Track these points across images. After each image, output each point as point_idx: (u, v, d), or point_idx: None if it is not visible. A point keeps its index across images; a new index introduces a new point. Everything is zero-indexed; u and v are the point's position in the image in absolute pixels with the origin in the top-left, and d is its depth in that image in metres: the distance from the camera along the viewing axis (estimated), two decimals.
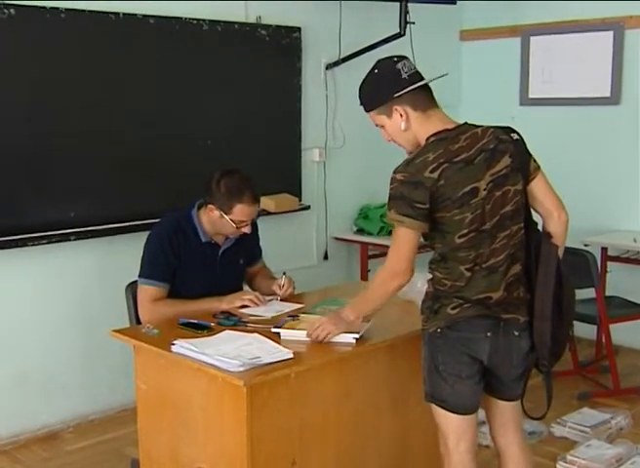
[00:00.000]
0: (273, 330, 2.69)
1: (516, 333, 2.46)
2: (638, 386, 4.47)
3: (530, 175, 2.45)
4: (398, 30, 4.79)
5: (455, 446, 2.51)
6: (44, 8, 3.74)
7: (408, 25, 4.80)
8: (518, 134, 2.46)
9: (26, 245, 3.77)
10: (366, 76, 2.48)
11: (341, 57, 5.04)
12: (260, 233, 3.37)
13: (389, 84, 2.41)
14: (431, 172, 2.31)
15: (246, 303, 3.04)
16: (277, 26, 4.71)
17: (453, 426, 2.50)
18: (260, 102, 4.70)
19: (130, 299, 3.18)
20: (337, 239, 5.33)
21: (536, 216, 2.53)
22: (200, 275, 3.12)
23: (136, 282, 3.12)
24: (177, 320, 2.85)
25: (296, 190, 4.95)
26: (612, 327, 4.34)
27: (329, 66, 5.08)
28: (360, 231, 5.30)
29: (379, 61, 2.48)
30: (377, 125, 2.51)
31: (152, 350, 2.64)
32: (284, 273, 3.23)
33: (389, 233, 5.06)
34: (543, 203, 2.49)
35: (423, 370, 2.53)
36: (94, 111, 3.98)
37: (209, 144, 4.45)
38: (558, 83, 5.39)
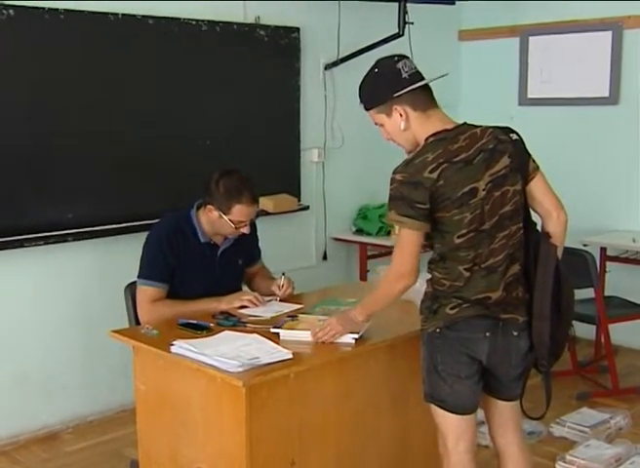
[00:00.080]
0: (273, 330, 2.69)
1: (515, 333, 2.46)
2: (637, 386, 4.48)
3: (529, 175, 2.45)
4: (397, 30, 4.79)
5: (454, 446, 2.52)
6: (43, 8, 3.74)
7: (407, 25, 4.81)
8: (517, 134, 2.47)
9: (26, 245, 3.77)
10: (366, 75, 2.48)
11: (340, 57, 5.04)
12: (258, 233, 3.37)
13: (389, 83, 2.41)
14: (430, 172, 2.31)
15: (245, 304, 3.04)
16: (276, 27, 4.71)
17: (452, 426, 2.50)
18: (258, 103, 4.70)
19: (129, 300, 3.18)
20: (336, 239, 5.33)
21: (535, 216, 2.53)
22: (199, 275, 3.12)
23: (135, 282, 3.12)
24: (176, 320, 2.85)
25: (294, 190, 4.95)
26: (611, 327, 4.34)
27: (327, 67, 5.08)
28: (359, 231, 5.30)
29: (379, 60, 2.48)
30: (376, 123, 2.51)
31: (151, 351, 2.63)
32: (283, 273, 3.23)
33: (388, 233, 5.13)
34: (542, 203, 2.49)
35: (422, 371, 2.53)
36: (93, 111, 3.98)
37: (208, 144, 4.45)
38: (557, 83, 5.40)
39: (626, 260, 4.91)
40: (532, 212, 2.52)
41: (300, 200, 4.99)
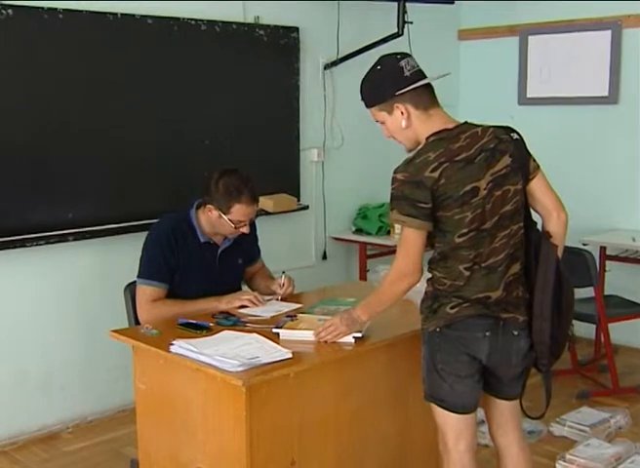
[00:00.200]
0: (274, 330, 2.69)
1: (515, 333, 2.46)
2: (637, 385, 4.48)
3: (529, 174, 2.45)
4: (396, 30, 4.80)
5: (454, 445, 2.52)
6: (42, 8, 3.74)
7: (406, 25, 4.81)
8: (518, 133, 2.46)
9: (26, 245, 3.77)
10: (368, 72, 2.48)
11: (340, 56, 5.04)
12: (258, 233, 3.37)
13: (392, 81, 2.40)
14: (432, 171, 2.31)
15: (245, 303, 3.04)
16: (275, 26, 4.71)
17: (452, 425, 2.50)
18: (258, 102, 4.70)
19: (129, 300, 3.17)
20: (335, 239, 5.33)
21: (535, 216, 2.53)
22: (199, 275, 3.11)
23: (135, 282, 3.12)
24: (175, 320, 2.85)
25: (294, 190, 4.95)
26: (611, 326, 4.34)
27: (327, 66, 5.08)
28: (359, 231, 5.30)
29: (381, 58, 2.48)
30: (377, 121, 2.51)
31: (151, 350, 2.63)
32: (283, 272, 3.23)
33: (388, 233, 5.13)
34: (543, 202, 2.49)
35: (423, 370, 2.53)
36: (93, 111, 3.98)
37: (207, 144, 4.45)
38: (556, 82, 5.40)
39: (626, 259, 4.91)
40: (532, 211, 2.52)
41: (299, 199, 4.99)
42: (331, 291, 3.50)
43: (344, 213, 5.38)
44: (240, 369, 2.35)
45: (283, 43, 4.77)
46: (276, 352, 2.49)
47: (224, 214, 3.01)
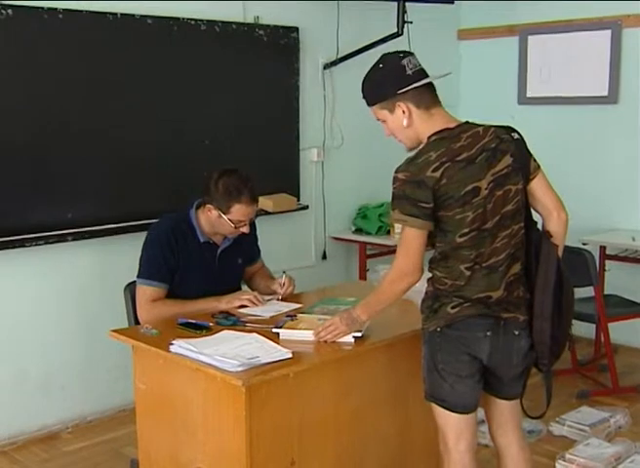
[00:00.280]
0: (274, 330, 2.69)
1: (516, 333, 2.46)
2: (637, 385, 4.48)
3: (530, 174, 2.45)
4: (396, 30, 4.79)
5: (454, 444, 2.52)
6: (42, 8, 3.74)
7: (405, 25, 4.81)
8: (518, 133, 2.47)
9: (26, 245, 3.77)
10: (370, 70, 2.47)
11: (339, 56, 5.04)
12: (258, 233, 3.37)
13: (394, 80, 2.40)
14: (433, 171, 2.31)
15: (244, 303, 3.04)
16: (275, 26, 4.71)
17: (452, 425, 2.50)
18: (257, 102, 4.70)
19: (129, 300, 3.17)
20: (335, 239, 5.33)
21: (535, 216, 2.53)
22: (199, 275, 3.11)
23: (134, 282, 3.12)
24: (175, 320, 2.85)
25: (294, 190, 4.95)
26: (610, 325, 4.34)
27: (327, 66, 5.08)
28: (358, 231, 5.30)
29: (384, 56, 2.47)
30: (378, 119, 2.50)
31: (151, 350, 2.63)
32: (284, 272, 3.23)
33: (388, 233, 5.13)
34: (543, 202, 2.49)
35: (423, 370, 2.53)
36: (92, 111, 3.98)
37: (207, 144, 4.45)
38: (556, 82, 5.40)
39: (626, 259, 4.91)
40: (533, 211, 2.52)
41: (299, 199, 4.99)
42: (331, 290, 3.50)
43: (344, 212, 5.38)
44: (240, 368, 2.35)
45: (283, 43, 4.77)
46: (276, 352, 2.49)
47: (224, 213, 3.01)
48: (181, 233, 3.09)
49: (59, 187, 3.90)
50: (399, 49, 2.55)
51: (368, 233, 5.20)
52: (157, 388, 2.71)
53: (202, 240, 3.12)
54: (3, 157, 3.71)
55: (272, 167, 4.79)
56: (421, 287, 2.52)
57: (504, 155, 2.39)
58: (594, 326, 4.68)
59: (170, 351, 2.54)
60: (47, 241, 3.84)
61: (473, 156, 2.35)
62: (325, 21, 4.98)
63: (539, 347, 2.47)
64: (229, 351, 2.46)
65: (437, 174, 2.31)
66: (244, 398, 2.33)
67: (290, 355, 2.47)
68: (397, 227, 4.86)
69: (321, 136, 5.13)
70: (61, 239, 3.90)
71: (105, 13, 3.96)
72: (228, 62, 4.53)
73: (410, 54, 2.45)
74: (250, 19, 4.64)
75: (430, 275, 2.49)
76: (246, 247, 3.27)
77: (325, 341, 2.61)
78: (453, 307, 2.41)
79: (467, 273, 2.39)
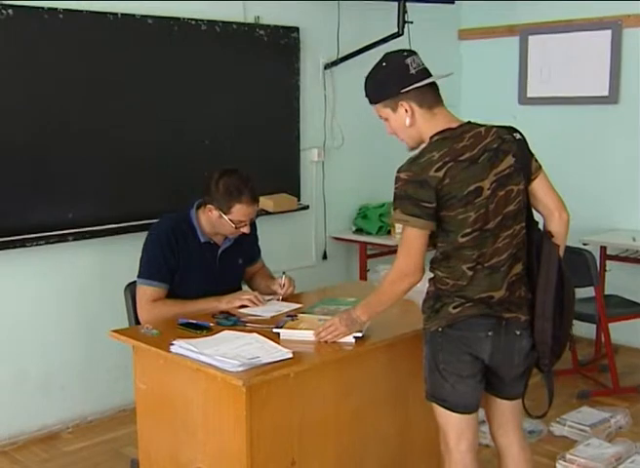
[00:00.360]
0: (274, 330, 2.69)
1: (517, 333, 2.45)
2: (637, 385, 4.48)
3: (532, 174, 2.45)
4: (396, 30, 4.79)
5: (455, 445, 2.51)
6: (42, 8, 3.74)
7: (406, 25, 4.80)
8: (520, 133, 2.46)
9: (26, 245, 3.77)
10: (373, 68, 2.46)
11: (340, 56, 5.03)
12: (258, 233, 3.37)
13: (397, 78, 2.39)
14: (436, 170, 2.31)
15: (245, 303, 3.04)
16: (275, 26, 4.71)
17: (453, 425, 2.50)
18: (258, 102, 4.69)
19: (129, 300, 3.17)
20: (335, 239, 5.33)
21: (537, 216, 2.52)
22: (199, 275, 3.11)
23: (135, 282, 3.11)
24: (176, 320, 2.85)
25: (294, 190, 4.95)
26: (611, 326, 4.33)
27: (327, 66, 5.08)
28: (359, 231, 5.30)
29: (387, 54, 2.47)
30: (380, 117, 2.50)
31: (151, 350, 2.63)
32: (284, 272, 3.23)
33: (388, 233, 5.13)
34: (545, 202, 2.48)
35: (424, 370, 2.53)
36: (93, 111, 3.97)
37: (207, 144, 4.45)
38: (556, 82, 5.40)
39: (626, 259, 4.91)
40: (534, 211, 2.52)
41: (299, 199, 4.99)
42: (331, 290, 3.50)
43: (345, 212, 5.37)
44: (240, 369, 2.35)
45: (283, 43, 4.77)
46: (276, 352, 2.48)
47: (225, 214, 3.01)
48: (182, 233, 3.09)
49: (59, 187, 3.90)
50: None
51: (368, 233, 5.20)
52: (157, 388, 2.71)
53: (202, 240, 3.12)
54: (3, 157, 3.71)
55: (273, 167, 4.79)
56: (423, 287, 2.51)
57: (507, 155, 2.39)
58: (595, 326, 4.68)
59: (170, 351, 2.54)
60: (47, 241, 3.84)
61: (476, 156, 2.35)
62: (325, 21, 4.98)
63: (540, 347, 2.47)
64: (230, 351, 2.46)
65: (440, 173, 2.31)
66: (244, 398, 2.33)
67: (290, 355, 2.47)
68: (398, 227, 4.86)
69: (321, 137, 5.12)
70: (62, 239, 3.90)
71: (106, 13, 3.96)
72: (229, 62, 4.52)
73: (413, 53, 2.45)
74: (250, 19, 4.64)
75: (432, 275, 2.49)
76: (246, 247, 3.27)
77: (325, 342, 2.61)
78: (454, 307, 2.41)
79: (469, 273, 2.38)
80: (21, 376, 3.93)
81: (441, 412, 2.51)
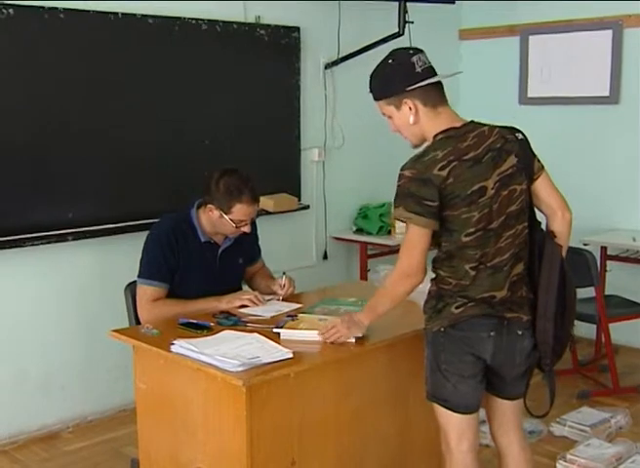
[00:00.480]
0: (274, 330, 2.69)
1: (519, 333, 2.45)
2: (637, 385, 4.47)
3: (534, 174, 2.45)
4: (397, 30, 4.79)
5: (456, 445, 2.51)
6: (43, 8, 3.74)
7: (407, 25, 4.80)
8: (522, 133, 2.46)
9: (26, 245, 3.77)
10: (379, 64, 2.46)
11: (340, 56, 5.03)
12: (259, 233, 3.37)
13: (402, 76, 2.39)
14: (440, 169, 2.31)
15: (245, 303, 3.03)
16: (276, 26, 4.71)
17: (454, 425, 2.50)
18: (258, 102, 4.69)
19: (129, 300, 3.17)
20: (336, 239, 5.32)
21: (539, 216, 2.52)
22: (199, 275, 3.11)
23: (135, 282, 3.11)
24: (176, 320, 2.85)
25: (295, 190, 4.95)
26: (611, 326, 4.33)
27: (328, 66, 5.08)
28: (359, 231, 5.30)
29: (394, 51, 2.46)
30: (383, 114, 2.50)
31: (152, 350, 2.63)
32: (284, 273, 3.23)
33: (389, 233, 5.13)
34: (548, 202, 2.48)
35: (426, 370, 2.52)
36: (93, 111, 3.97)
37: (207, 144, 4.44)
38: (557, 82, 5.39)
39: (627, 259, 4.91)
40: (536, 211, 2.51)
41: (300, 199, 4.99)
42: (331, 290, 3.49)
43: (345, 212, 5.37)
44: (240, 368, 2.35)
45: (284, 43, 4.77)
46: (277, 352, 2.48)
47: (225, 213, 3.01)
48: (182, 233, 3.09)
49: (59, 187, 3.89)
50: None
51: (369, 233, 5.20)
52: (158, 388, 2.71)
53: (203, 240, 3.12)
54: (3, 157, 3.71)
55: (273, 167, 4.79)
56: (424, 287, 2.51)
57: (509, 155, 2.39)
58: (595, 326, 4.68)
59: (170, 351, 2.54)
60: (47, 241, 3.84)
61: (480, 156, 2.35)
62: (326, 21, 4.98)
63: (541, 347, 2.46)
64: (230, 351, 2.46)
65: (444, 172, 2.30)
66: (244, 398, 2.33)
67: (290, 355, 2.47)
68: (398, 227, 4.88)
69: (322, 136, 5.12)
70: (62, 239, 3.89)
71: (107, 12, 3.96)
72: (229, 62, 4.52)
73: (420, 51, 2.44)
74: (251, 19, 4.64)
75: (434, 275, 2.49)
76: (247, 246, 3.27)
77: (332, 343, 2.60)
78: (457, 307, 2.41)
79: (472, 273, 2.38)
80: (21, 376, 3.93)
81: (442, 413, 2.51)
